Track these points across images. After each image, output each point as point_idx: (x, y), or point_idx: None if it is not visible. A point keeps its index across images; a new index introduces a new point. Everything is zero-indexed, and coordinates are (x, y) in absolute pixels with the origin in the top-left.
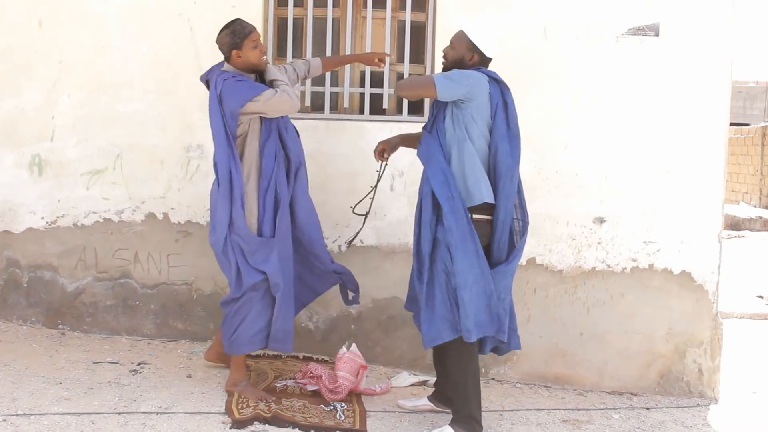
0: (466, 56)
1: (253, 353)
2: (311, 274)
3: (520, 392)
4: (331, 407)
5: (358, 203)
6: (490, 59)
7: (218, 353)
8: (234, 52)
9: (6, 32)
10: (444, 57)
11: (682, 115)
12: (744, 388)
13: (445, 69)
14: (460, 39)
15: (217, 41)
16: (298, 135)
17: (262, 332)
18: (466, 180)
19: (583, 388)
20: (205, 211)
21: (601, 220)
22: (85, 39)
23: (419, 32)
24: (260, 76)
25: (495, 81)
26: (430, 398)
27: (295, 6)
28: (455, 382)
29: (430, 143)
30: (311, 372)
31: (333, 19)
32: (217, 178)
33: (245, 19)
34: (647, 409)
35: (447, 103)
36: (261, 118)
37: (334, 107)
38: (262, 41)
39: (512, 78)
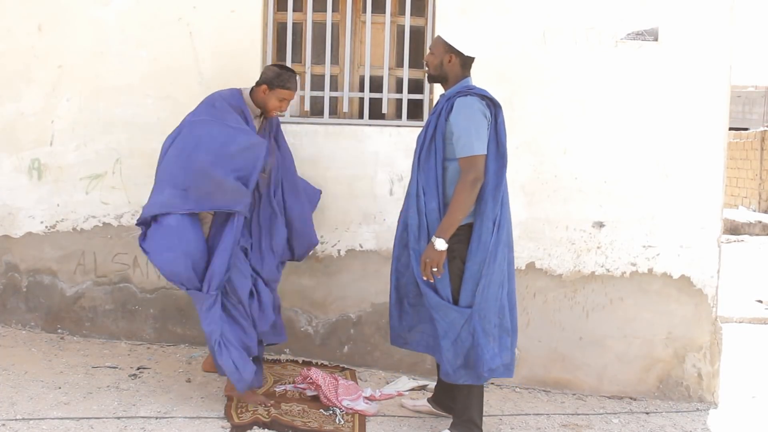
0: (444, 59)
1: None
2: None
3: (520, 397)
4: (331, 412)
5: None
6: (472, 59)
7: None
8: (264, 86)
9: (5, 37)
10: (426, 65)
11: (681, 120)
12: (743, 393)
13: (429, 77)
14: (437, 43)
15: (264, 69)
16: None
17: None
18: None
19: (583, 392)
20: None
21: (601, 225)
22: (85, 44)
23: (418, 37)
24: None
25: (489, 101)
26: (429, 400)
27: (294, 11)
28: (458, 386)
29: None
30: (311, 378)
31: (332, 24)
32: None
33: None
34: (647, 413)
35: (440, 124)
36: None
37: (334, 112)
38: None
39: (511, 82)
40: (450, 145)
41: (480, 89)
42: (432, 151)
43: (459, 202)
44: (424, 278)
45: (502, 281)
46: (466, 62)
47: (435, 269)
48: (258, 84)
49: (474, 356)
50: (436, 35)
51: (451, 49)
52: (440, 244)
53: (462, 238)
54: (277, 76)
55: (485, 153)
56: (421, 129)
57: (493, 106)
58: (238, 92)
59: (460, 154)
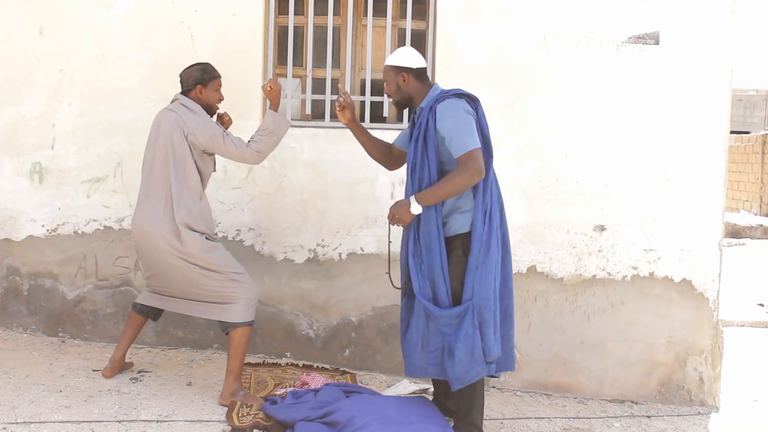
0: (399, 81)
1: (253, 361)
2: None
3: (521, 400)
4: None
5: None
6: (424, 68)
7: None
8: (198, 87)
9: (7, 40)
10: (388, 96)
11: (683, 124)
12: (745, 397)
13: (397, 105)
14: (386, 72)
15: (184, 74)
16: None
17: None
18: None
19: (584, 396)
20: None
21: (602, 228)
22: (86, 47)
23: (420, 40)
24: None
25: (467, 97)
26: None
27: (295, 14)
28: (459, 390)
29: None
30: (309, 385)
31: (333, 27)
32: None
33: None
34: (648, 417)
35: (429, 134)
36: None
37: (335, 115)
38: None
39: (512, 86)
40: (445, 150)
41: (454, 89)
42: (425, 163)
43: (451, 182)
44: (390, 222)
45: (495, 273)
46: (421, 73)
47: (399, 224)
48: (190, 90)
49: (480, 347)
50: (383, 66)
51: (400, 69)
52: (415, 209)
53: (458, 245)
54: (203, 71)
55: (479, 147)
56: None
57: (473, 101)
58: (190, 107)
59: (456, 153)
